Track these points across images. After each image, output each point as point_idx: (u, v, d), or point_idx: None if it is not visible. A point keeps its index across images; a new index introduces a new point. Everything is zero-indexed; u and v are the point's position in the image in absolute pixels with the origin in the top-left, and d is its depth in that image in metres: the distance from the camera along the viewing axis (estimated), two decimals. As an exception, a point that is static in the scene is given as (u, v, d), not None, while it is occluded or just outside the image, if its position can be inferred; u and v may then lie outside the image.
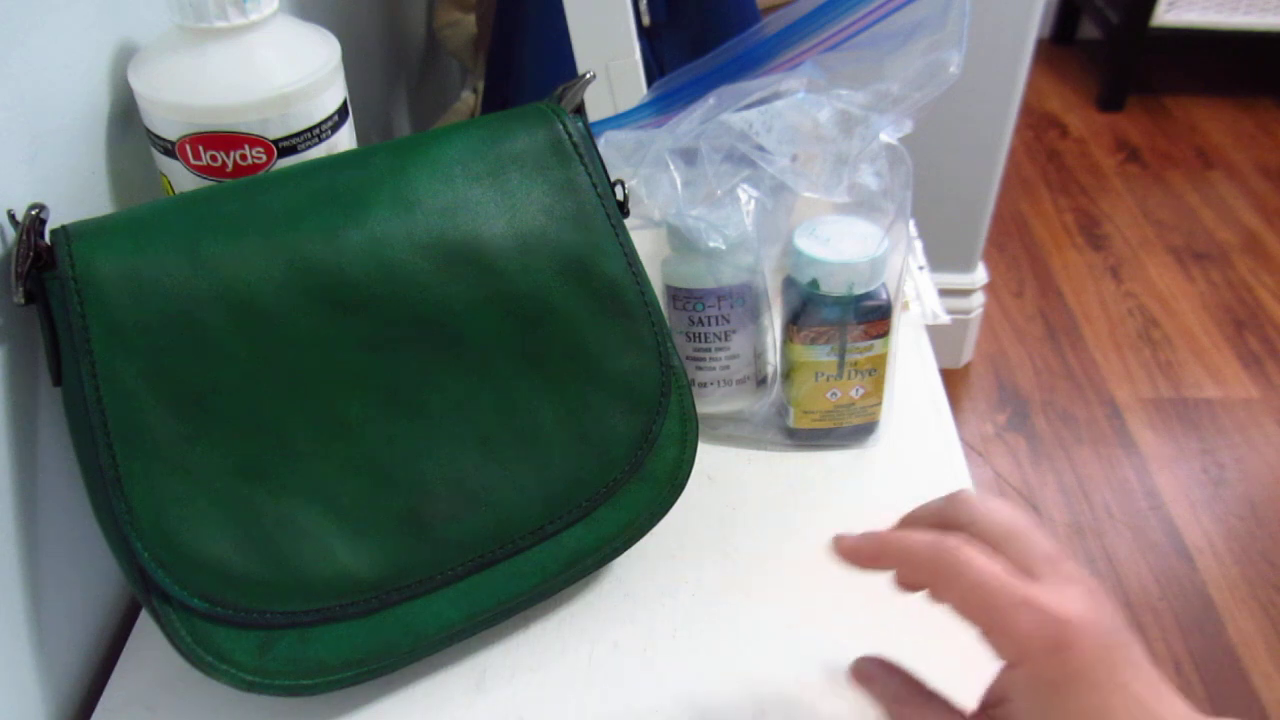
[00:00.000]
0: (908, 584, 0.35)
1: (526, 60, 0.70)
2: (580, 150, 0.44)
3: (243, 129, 0.43)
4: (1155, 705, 0.31)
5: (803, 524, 0.50)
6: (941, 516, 0.36)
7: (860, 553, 0.36)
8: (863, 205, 0.49)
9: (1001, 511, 0.35)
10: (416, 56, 0.98)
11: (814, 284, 0.49)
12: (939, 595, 0.34)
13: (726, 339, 0.51)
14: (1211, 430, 1.56)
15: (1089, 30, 2.58)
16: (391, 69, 0.89)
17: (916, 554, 0.34)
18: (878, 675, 0.38)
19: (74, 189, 0.43)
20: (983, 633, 0.33)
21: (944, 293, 0.65)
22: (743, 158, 0.48)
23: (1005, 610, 0.32)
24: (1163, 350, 1.71)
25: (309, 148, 0.45)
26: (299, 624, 0.39)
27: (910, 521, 0.38)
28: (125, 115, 0.46)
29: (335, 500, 0.39)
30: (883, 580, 0.35)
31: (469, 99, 0.87)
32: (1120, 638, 0.32)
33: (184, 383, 0.37)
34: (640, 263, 0.44)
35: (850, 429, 0.53)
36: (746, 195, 0.49)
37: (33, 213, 0.37)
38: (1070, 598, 0.32)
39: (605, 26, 0.60)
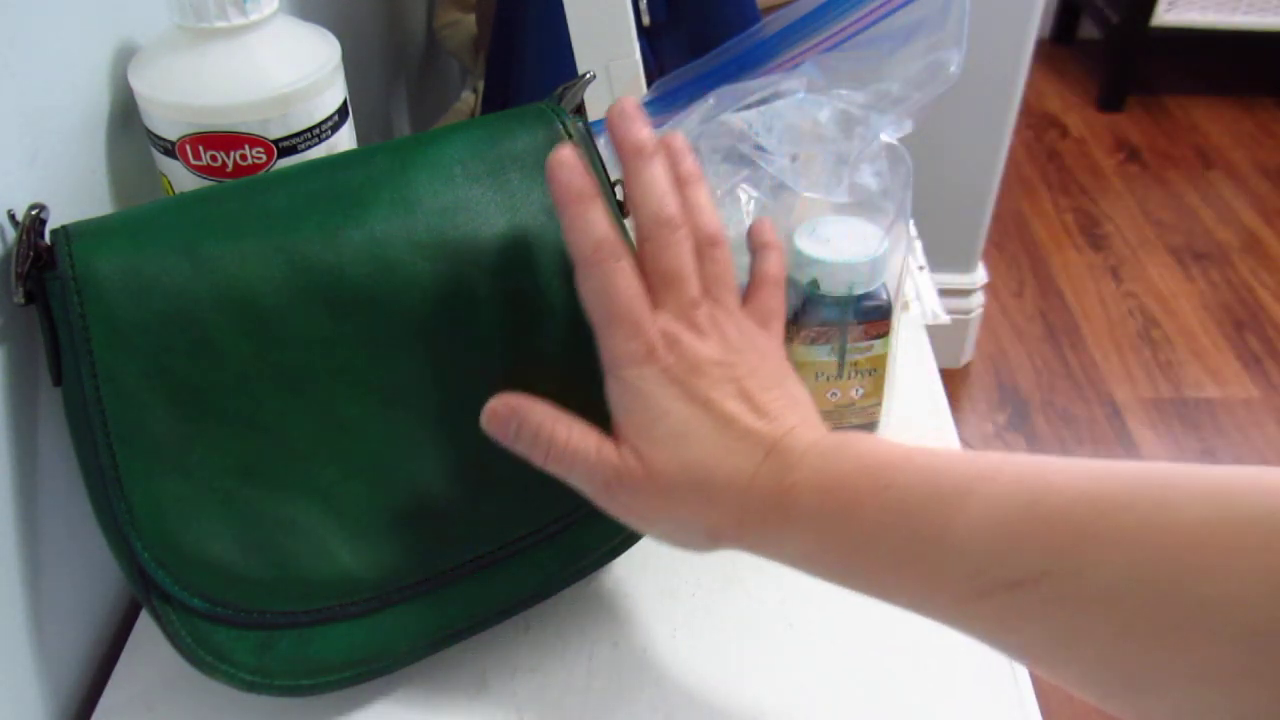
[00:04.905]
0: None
1: (526, 60, 0.70)
2: (580, 150, 0.44)
3: (243, 129, 0.43)
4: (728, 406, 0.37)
5: (803, 524, 0.50)
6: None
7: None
8: (863, 205, 0.49)
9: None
10: (416, 56, 0.98)
11: (814, 284, 0.49)
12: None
13: (726, 339, 0.51)
14: (1211, 430, 1.56)
15: (1089, 30, 2.58)
16: (391, 69, 0.88)
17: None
18: (516, 411, 0.38)
19: (74, 189, 0.42)
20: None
21: (944, 293, 0.65)
22: (743, 158, 0.48)
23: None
24: (1163, 350, 1.71)
25: (309, 148, 0.45)
26: (299, 624, 0.39)
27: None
28: (125, 115, 0.46)
29: (335, 500, 0.39)
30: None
31: (469, 99, 0.87)
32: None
33: (184, 383, 0.37)
34: (640, 263, 0.44)
35: (850, 429, 0.53)
36: (746, 195, 0.49)
37: (33, 213, 0.37)
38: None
39: (605, 26, 0.60)
